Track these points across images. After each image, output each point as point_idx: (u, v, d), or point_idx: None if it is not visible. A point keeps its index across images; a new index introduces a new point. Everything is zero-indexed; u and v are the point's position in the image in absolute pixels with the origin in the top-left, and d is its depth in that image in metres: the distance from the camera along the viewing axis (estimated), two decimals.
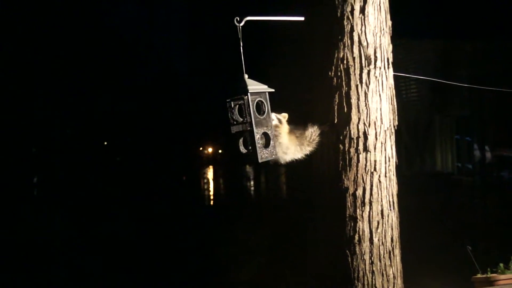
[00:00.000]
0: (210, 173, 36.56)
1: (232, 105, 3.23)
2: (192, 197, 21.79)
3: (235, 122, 3.22)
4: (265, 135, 3.18)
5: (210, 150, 50.10)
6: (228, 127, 3.26)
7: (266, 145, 3.18)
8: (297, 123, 3.44)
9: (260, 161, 3.15)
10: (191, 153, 44.35)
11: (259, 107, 3.17)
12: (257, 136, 3.12)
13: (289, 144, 3.37)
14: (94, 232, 12.67)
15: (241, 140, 3.22)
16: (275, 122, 3.33)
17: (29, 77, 28.50)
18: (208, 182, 29.47)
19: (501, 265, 4.31)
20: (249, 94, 3.09)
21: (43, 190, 26.26)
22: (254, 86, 3.13)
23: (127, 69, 35.88)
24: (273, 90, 3.21)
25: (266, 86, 3.19)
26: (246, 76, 3.15)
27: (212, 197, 22.33)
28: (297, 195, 14.61)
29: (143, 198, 19.87)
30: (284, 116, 3.39)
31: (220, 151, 47.43)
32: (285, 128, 3.39)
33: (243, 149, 3.23)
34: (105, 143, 39.15)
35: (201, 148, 49.80)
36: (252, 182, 26.61)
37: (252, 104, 3.10)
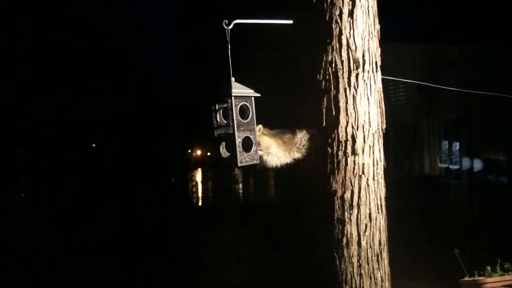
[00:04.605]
0: (198, 175, 36.44)
1: (217, 108, 3.22)
2: (180, 199, 21.72)
3: (218, 125, 3.22)
4: (248, 140, 3.17)
5: (199, 152, 49.91)
6: (212, 130, 3.25)
7: (248, 149, 3.17)
8: (285, 128, 3.44)
9: (239, 165, 3.13)
10: (180, 155, 44.18)
11: (244, 111, 3.16)
12: (238, 140, 3.11)
13: (277, 152, 3.36)
14: (82, 234, 12.62)
15: (223, 143, 3.22)
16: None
17: (15, 79, 28.34)
18: (196, 185, 29.37)
19: (489, 268, 4.33)
20: (232, 97, 3.08)
21: (30, 192, 26.09)
22: (239, 89, 3.12)
23: (115, 71, 35.77)
24: (259, 95, 3.20)
25: (252, 91, 3.18)
26: (233, 79, 3.14)
27: (200, 199, 22.27)
28: (285, 198, 14.62)
29: (131, 200, 19.79)
30: (259, 129, 3.31)
31: (209, 153, 47.27)
32: (265, 139, 3.36)
33: (224, 153, 3.23)
34: (94, 145, 39.00)
35: (190, 151, 49.60)
36: (240, 185, 26.55)
37: (235, 108, 3.09)
